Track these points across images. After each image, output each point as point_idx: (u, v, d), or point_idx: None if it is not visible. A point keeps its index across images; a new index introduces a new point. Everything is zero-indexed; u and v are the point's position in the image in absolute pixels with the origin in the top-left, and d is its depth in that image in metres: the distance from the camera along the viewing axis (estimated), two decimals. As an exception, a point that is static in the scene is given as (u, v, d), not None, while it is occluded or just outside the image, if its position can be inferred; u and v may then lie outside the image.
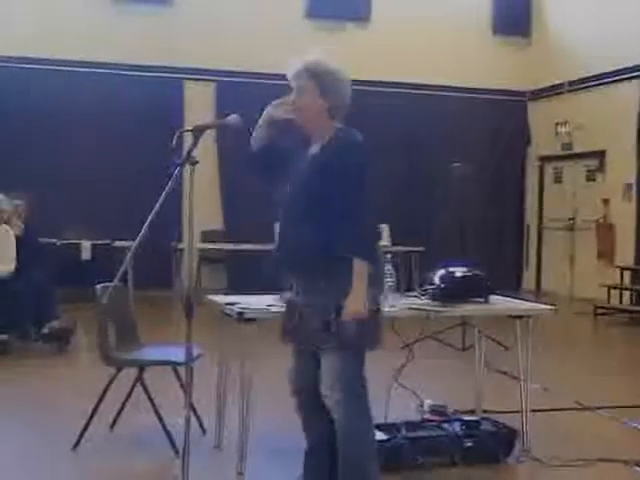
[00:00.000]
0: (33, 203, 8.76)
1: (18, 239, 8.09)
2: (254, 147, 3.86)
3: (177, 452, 4.47)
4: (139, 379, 4.82)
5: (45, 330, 7.89)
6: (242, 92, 12.42)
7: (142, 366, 4.85)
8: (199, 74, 13.06)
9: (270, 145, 3.82)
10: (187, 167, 3.62)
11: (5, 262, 7.90)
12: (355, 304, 3.51)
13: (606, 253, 12.89)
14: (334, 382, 3.61)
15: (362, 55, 12.97)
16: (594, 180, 13.51)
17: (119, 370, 4.85)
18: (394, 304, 4.49)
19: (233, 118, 3.80)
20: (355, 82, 3.77)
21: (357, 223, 3.53)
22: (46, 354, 7.80)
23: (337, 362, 3.60)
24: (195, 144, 3.65)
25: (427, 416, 5.04)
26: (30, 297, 7.88)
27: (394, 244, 11.65)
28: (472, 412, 5.30)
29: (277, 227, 3.81)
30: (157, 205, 3.57)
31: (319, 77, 3.65)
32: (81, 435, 4.75)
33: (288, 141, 3.86)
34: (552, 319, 5.97)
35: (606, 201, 13.01)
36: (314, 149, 3.72)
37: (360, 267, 3.52)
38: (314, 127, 3.71)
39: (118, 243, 10.92)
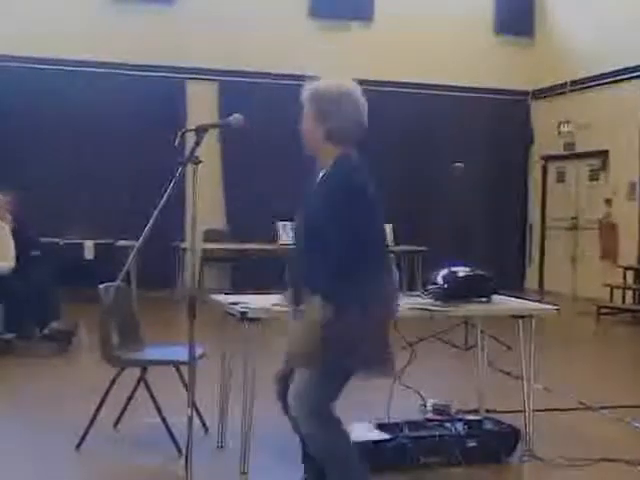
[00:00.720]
0: (22, 199, 8.72)
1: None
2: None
3: (180, 451, 4.47)
4: (142, 379, 4.82)
5: (45, 331, 7.90)
6: (245, 92, 12.45)
7: (145, 366, 4.85)
8: (202, 74, 13.06)
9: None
10: (190, 166, 3.62)
11: (4, 258, 7.89)
12: (292, 345, 3.53)
13: (609, 253, 12.89)
14: (296, 397, 3.59)
15: (365, 54, 12.99)
16: (597, 180, 13.50)
17: (122, 370, 4.85)
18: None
19: (236, 118, 3.80)
20: (357, 82, 3.74)
21: (330, 259, 3.46)
22: (49, 354, 7.81)
23: (304, 378, 3.57)
24: (198, 143, 3.65)
25: (430, 416, 5.04)
26: (32, 297, 7.88)
27: (397, 244, 11.66)
28: (475, 412, 5.30)
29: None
30: (160, 205, 3.58)
31: (317, 102, 3.61)
32: (84, 435, 4.75)
33: None
34: (555, 319, 5.96)
35: (609, 201, 13.00)
36: (320, 176, 3.71)
37: (314, 307, 3.46)
38: (316, 153, 3.69)
39: (121, 243, 10.92)
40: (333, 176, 3.59)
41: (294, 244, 3.77)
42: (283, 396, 3.80)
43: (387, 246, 3.80)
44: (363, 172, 3.62)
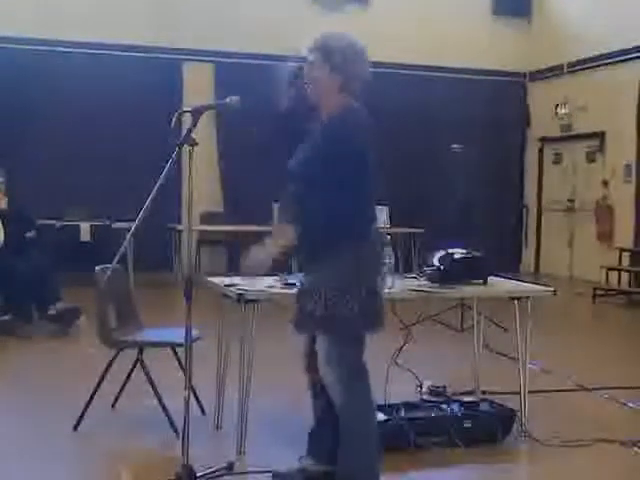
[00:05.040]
0: (17, 180, 8.70)
1: (3, 212, 8.12)
2: (282, 108, 3.85)
3: (177, 433, 4.48)
4: (139, 360, 4.84)
5: (52, 311, 7.91)
6: (241, 74, 12.40)
7: (142, 347, 4.86)
8: (198, 55, 13.01)
9: (293, 108, 3.82)
10: (186, 148, 3.62)
11: None
12: (253, 254, 3.58)
13: (605, 234, 12.91)
14: (325, 365, 3.64)
15: (361, 37, 12.83)
16: (594, 161, 13.50)
17: (119, 351, 4.86)
18: (393, 286, 4.49)
19: (232, 99, 3.79)
20: (369, 63, 3.76)
21: (320, 202, 3.53)
22: (47, 336, 7.82)
23: (326, 345, 3.62)
24: (194, 125, 3.64)
25: (426, 397, 5.06)
26: (30, 278, 7.88)
27: (394, 226, 11.66)
28: (471, 393, 5.32)
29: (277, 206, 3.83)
30: (156, 187, 3.58)
31: (330, 52, 3.66)
32: (82, 416, 4.77)
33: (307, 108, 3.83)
34: (551, 300, 5.97)
35: (606, 182, 13.01)
36: (322, 122, 3.73)
37: (280, 227, 3.59)
38: (323, 101, 3.72)
39: (117, 225, 10.91)
40: (340, 125, 3.61)
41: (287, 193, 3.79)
42: (311, 369, 3.82)
43: (374, 215, 3.80)
44: (367, 129, 3.65)
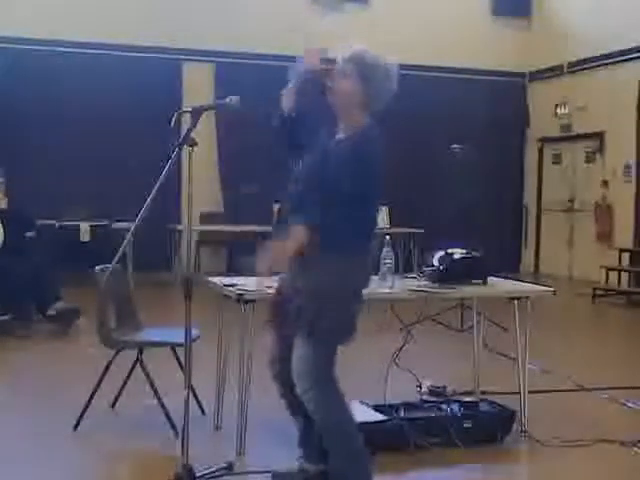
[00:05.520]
0: (17, 180, 8.71)
1: (3, 212, 8.12)
2: (285, 112, 3.79)
3: (177, 433, 4.48)
4: (138, 360, 4.84)
5: (52, 311, 7.91)
6: (242, 73, 12.40)
7: (141, 347, 4.86)
8: (198, 55, 13.01)
9: (300, 115, 3.77)
10: (186, 148, 3.62)
11: None
12: (265, 259, 3.52)
13: (605, 235, 12.91)
14: (302, 370, 3.62)
15: (361, 36, 12.82)
16: (593, 161, 13.50)
17: (118, 351, 4.86)
18: (393, 286, 4.49)
19: (232, 99, 3.79)
20: (394, 89, 3.76)
21: (327, 205, 3.50)
22: (47, 336, 7.83)
23: (306, 349, 3.60)
24: (194, 125, 3.64)
25: (426, 397, 5.06)
26: (30, 278, 7.88)
27: (394, 226, 11.66)
28: (470, 393, 5.32)
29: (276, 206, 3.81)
30: (156, 187, 3.57)
31: (364, 67, 3.65)
32: (81, 416, 4.77)
33: (317, 114, 3.81)
34: (551, 301, 5.98)
35: (605, 182, 13.01)
36: (340, 135, 3.71)
37: (297, 231, 3.49)
38: (345, 113, 3.70)
39: (117, 225, 10.91)
40: (360, 144, 3.60)
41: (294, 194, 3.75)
42: (280, 377, 3.82)
43: (374, 233, 3.81)
44: (380, 151, 3.68)
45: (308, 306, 3.56)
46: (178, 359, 4.90)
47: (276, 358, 3.87)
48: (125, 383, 5.01)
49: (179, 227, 11.80)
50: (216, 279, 4.71)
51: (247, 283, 4.40)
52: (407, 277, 5.00)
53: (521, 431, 4.82)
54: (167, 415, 4.69)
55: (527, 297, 4.84)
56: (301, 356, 3.62)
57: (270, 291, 4.16)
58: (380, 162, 3.67)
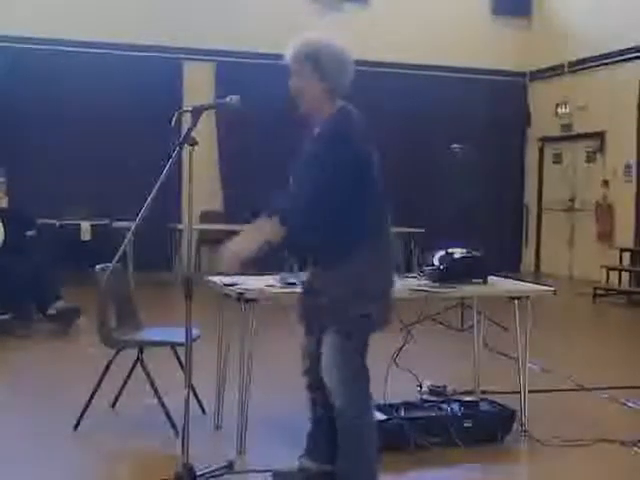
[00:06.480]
0: (18, 179, 8.71)
1: (4, 211, 8.12)
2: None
3: (177, 432, 4.48)
4: (139, 360, 4.84)
5: (52, 311, 7.91)
6: (242, 73, 12.40)
7: (142, 347, 4.86)
8: (199, 54, 13.01)
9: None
10: (186, 148, 3.61)
11: None
12: (233, 244, 3.52)
13: (605, 234, 12.90)
14: (331, 366, 3.62)
15: (361, 36, 12.89)
16: (594, 161, 13.50)
17: (119, 351, 4.86)
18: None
19: (233, 99, 3.79)
20: (354, 63, 3.74)
21: (302, 203, 3.50)
22: (47, 335, 7.83)
23: (336, 345, 3.60)
24: (194, 124, 3.64)
25: (426, 397, 5.06)
26: (31, 277, 7.88)
27: (394, 226, 11.64)
28: (471, 393, 5.32)
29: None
30: (157, 186, 3.57)
31: (318, 60, 3.60)
32: (81, 416, 4.77)
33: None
34: (551, 300, 5.98)
35: (606, 182, 13.01)
36: (316, 130, 3.71)
37: (265, 222, 3.51)
38: (314, 109, 3.68)
39: (118, 224, 10.91)
40: (334, 124, 3.58)
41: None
42: (310, 373, 3.81)
43: (385, 214, 3.80)
44: (362, 128, 3.63)
45: (329, 306, 3.57)
46: (178, 358, 4.90)
47: (305, 354, 3.87)
48: (125, 383, 5.01)
49: (179, 226, 11.80)
50: (216, 278, 4.72)
51: (247, 282, 4.40)
52: (407, 276, 5.00)
53: (521, 431, 4.82)
54: (167, 414, 4.69)
55: (527, 297, 4.84)
56: (331, 354, 3.62)
57: (271, 290, 4.17)
58: (362, 138, 3.60)
